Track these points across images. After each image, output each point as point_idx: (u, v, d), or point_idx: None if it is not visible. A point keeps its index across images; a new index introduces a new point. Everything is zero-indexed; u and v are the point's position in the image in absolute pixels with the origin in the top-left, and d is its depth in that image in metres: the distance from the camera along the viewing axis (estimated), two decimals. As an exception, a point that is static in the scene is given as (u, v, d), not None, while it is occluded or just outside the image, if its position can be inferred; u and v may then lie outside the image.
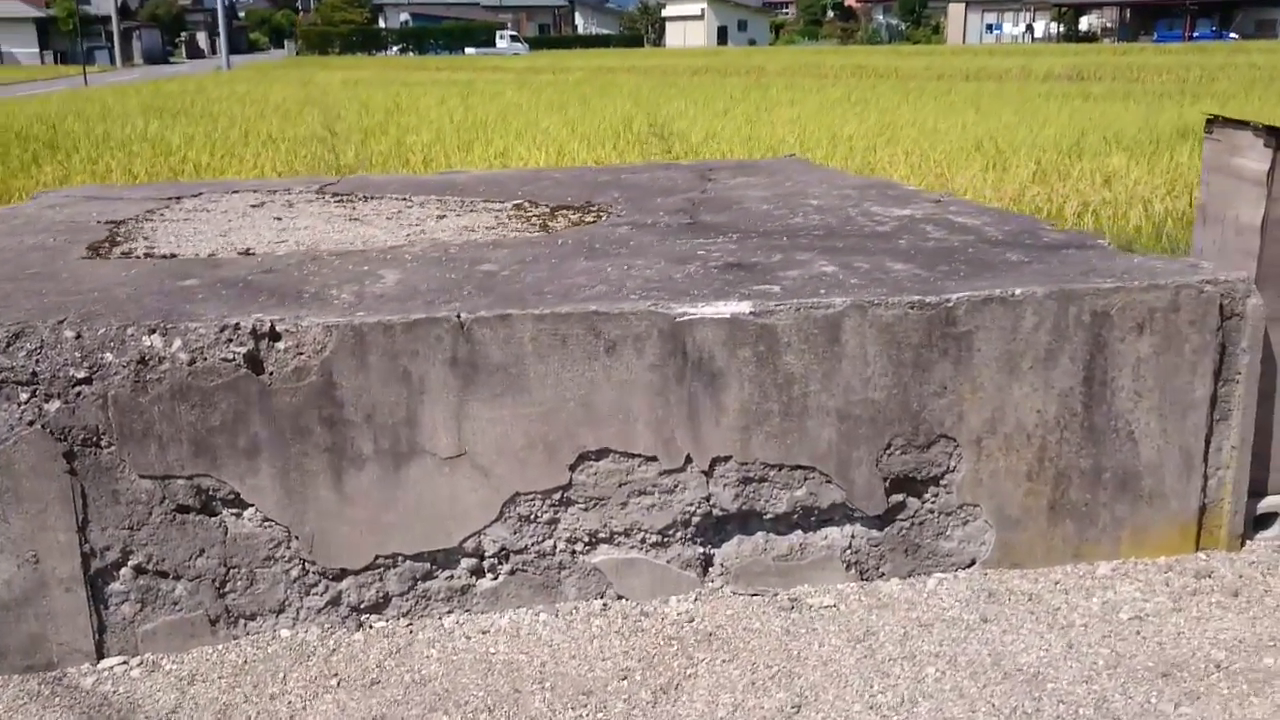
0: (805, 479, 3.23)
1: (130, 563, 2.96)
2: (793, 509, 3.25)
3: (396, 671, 2.90)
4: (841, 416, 3.19)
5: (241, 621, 3.06)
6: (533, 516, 3.12)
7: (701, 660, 2.94)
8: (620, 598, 3.23)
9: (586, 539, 3.17)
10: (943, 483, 3.31)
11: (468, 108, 19.55)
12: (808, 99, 21.34)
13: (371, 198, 5.14)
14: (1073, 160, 10.72)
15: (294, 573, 3.05)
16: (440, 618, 3.14)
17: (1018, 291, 3.21)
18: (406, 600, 3.13)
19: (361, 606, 3.11)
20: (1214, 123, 3.55)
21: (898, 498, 3.30)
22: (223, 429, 2.92)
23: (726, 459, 3.17)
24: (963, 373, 3.23)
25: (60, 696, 2.84)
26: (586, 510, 3.15)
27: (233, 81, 33.83)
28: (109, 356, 2.85)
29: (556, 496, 3.12)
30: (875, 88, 24.97)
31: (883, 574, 3.35)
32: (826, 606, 3.21)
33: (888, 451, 3.24)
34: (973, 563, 3.39)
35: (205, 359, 2.88)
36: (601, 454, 3.10)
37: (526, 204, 4.89)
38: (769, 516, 3.25)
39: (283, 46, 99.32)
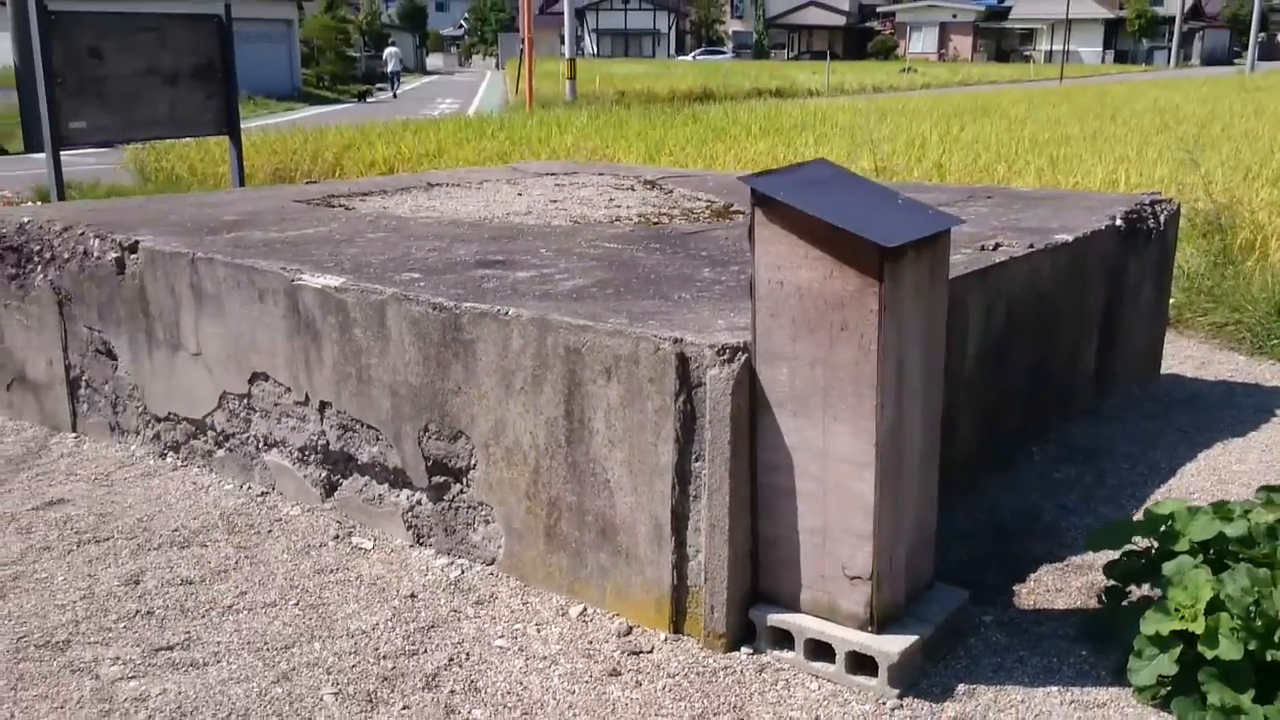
0: (378, 438, 3.78)
1: (84, 377, 4.77)
2: (372, 462, 3.82)
3: (155, 492, 4.28)
4: (393, 392, 3.68)
5: (120, 433, 4.68)
6: (235, 413, 4.20)
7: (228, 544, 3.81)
8: (280, 493, 4.14)
9: (263, 441, 4.15)
10: (468, 477, 3.57)
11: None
12: None
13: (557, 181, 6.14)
14: None
15: (138, 408, 4.57)
16: (195, 468, 4.40)
17: (510, 312, 3.34)
18: (184, 449, 4.45)
19: (166, 444, 4.51)
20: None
21: (440, 479, 3.65)
22: (109, 305, 4.54)
23: (329, 404, 3.87)
24: (471, 378, 3.46)
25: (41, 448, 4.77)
26: (264, 419, 4.12)
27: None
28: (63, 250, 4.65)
29: (245, 402, 4.15)
30: None
31: (432, 544, 3.73)
32: (363, 549, 3.76)
33: (426, 434, 3.63)
34: (493, 561, 3.58)
35: (99, 258, 4.53)
36: (264, 376, 4.05)
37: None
38: (360, 462, 3.87)
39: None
